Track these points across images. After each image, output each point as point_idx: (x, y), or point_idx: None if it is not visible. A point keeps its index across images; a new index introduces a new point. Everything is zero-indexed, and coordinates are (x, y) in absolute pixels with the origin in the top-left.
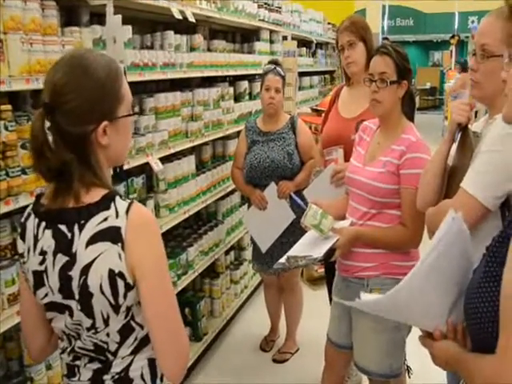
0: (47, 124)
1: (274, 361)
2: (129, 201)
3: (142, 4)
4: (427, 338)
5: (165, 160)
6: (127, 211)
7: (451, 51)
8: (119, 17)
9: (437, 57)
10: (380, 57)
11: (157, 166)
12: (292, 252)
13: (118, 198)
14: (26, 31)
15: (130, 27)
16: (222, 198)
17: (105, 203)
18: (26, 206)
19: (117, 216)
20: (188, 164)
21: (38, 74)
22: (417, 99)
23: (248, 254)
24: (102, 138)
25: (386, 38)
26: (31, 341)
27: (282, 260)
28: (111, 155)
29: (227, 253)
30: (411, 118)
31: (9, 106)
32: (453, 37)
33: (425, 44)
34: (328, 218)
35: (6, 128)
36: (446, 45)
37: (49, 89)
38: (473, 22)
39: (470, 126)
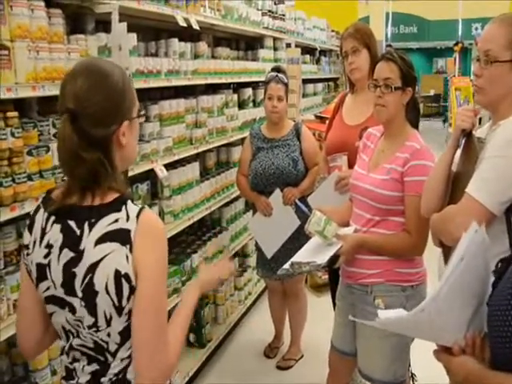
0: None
1: (278, 367)
2: (140, 206)
3: (146, 12)
4: (443, 352)
5: (169, 167)
6: (138, 215)
7: (455, 58)
8: (124, 24)
9: (440, 64)
10: (385, 62)
11: (161, 172)
12: (296, 258)
13: (129, 201)
14: (32, 39)
15: (134, 35)
16: (226, 204)
17: (116, 205)
18: None
19: (127, 219)
20: (192, 171)
21: (45, 81)
22: (421, 106)
23: (252, 260)
24: (122, 138)
25: (390, 45)
26: (25, 335)
27: (286, 266)
28: (126, 155)
29: (231, 259)
30: (416, 126)
31: (15, 113)
32: (456, 44)
33: (428, 51)
34: (332, 224)
35: (13, 135)
36: (449, 52)
37: (71, 96)
38: (476, 28)
39: (474, 131)
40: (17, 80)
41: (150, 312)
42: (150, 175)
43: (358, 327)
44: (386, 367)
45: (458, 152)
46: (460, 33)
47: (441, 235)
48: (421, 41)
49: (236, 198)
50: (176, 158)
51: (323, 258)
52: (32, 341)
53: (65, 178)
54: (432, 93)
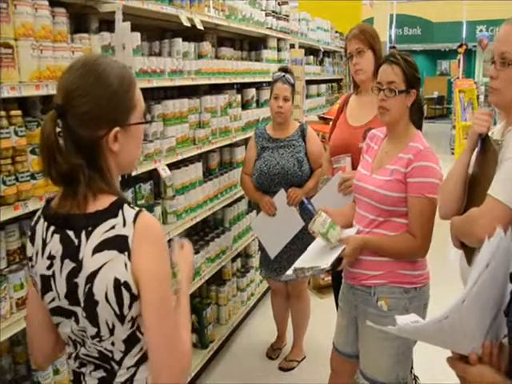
0: (58, 127)
1: (281, 369)
2: (137, 209)
3: (150, 11)
4: (458, 360)
5: (172, 166)
6: (135, 220)
7: (459, 60)
8: (128, 24)
9: (444, 66)
10: (389, 66)
11: (164, 172)
12: (299, 263)
13: (126, 205)
14: (36, 38)
15: (138, 34)
16: (229, 205)
17: (113, 210)
18: (35, 211)
19: (124, 224)
20: (195, 171)
21: (48, 80)
22: (424, 108)
23: (255, 261)
24: (112, 144)
25: (394, 47)
26: (36, 346)
27: (290, 272)
28: (121, 162)
29: (234, 260)
30: (419, 127)
31: (19, 112)
32: (460, 46)
33: (432, 53)
34: (336, 228)
35: (16, 133)
36: (453, 54)
37: (61, 91)
38: (481, 30)
39: (490, 134)
40: (20, 79)
41: (160, 317)
42: (153, 175)
43: (361, 329)
44: (389, 369)
45: (473, 155)
46: (464, 35)
47: (465, 238)
48: (425, 43)
49: (239, 199)
50: (179, 157)
51: (326, 263)
52: (44, 350)
53: None
54: (435, 95)
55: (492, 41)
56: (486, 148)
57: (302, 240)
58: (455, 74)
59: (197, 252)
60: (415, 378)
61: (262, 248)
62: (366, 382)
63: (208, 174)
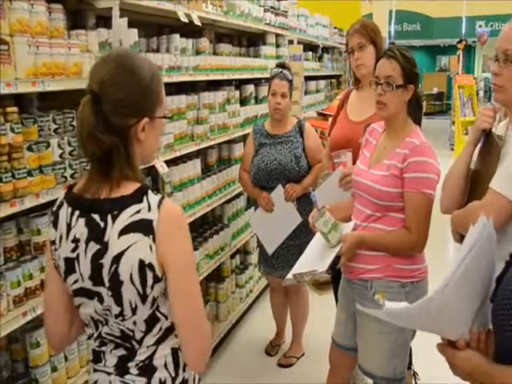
0: None
1: (279, 365)
2: (160, 195)
3: (148, 7)
4: (447, 346)
5: (170, 163)
6: (159, 205)
7: (458, 56)
8: (125, 20)
9: (444, 62)
10: (387, 60)
11: (162, 168)
12: (298, 267)
13: (150, 191)
14: (32, 34)
15: (135, 30)
16: (228, 201)
17: (138, 196)
18: (32, 208)
19: (149, 209)
20: (193, 167)
21: (45, 76)
22: (423, 104)
23: (253, 258)
24: (140, 134)
25: (393, 43)
26: (52, 330)
27: (289, 276)
28: (144, 152)
29: (233, 257)
30: (418, 122)
31: (15, 108)
32: (460, 42)
33: (432, 49)
34: (338, 230)
35: (13, 130)
36: (453, 50)
37: (96, 79)
38: (480, 26)
39: (493, 130)
40: (17, 75)
41: (188, 298)
42: (151, 171)
43: (359, 323)
44: (386, 363)
45: (476, 150)
46: (463, 30)
47: (464, 230)
48: (424, 38)
49: (238, 195)
50: (177, 154)
51: (323, 266)
52: (59, 334)
53: (65, 174)
54: (435, 91)
55: (491, 36)
56: (489, 144)
57: (299, 236)
58: (455, 70)
59: (195, 249)
60: (415, 374)
61: (260, 244)
62: (364, 375)
63: (206, 170)
